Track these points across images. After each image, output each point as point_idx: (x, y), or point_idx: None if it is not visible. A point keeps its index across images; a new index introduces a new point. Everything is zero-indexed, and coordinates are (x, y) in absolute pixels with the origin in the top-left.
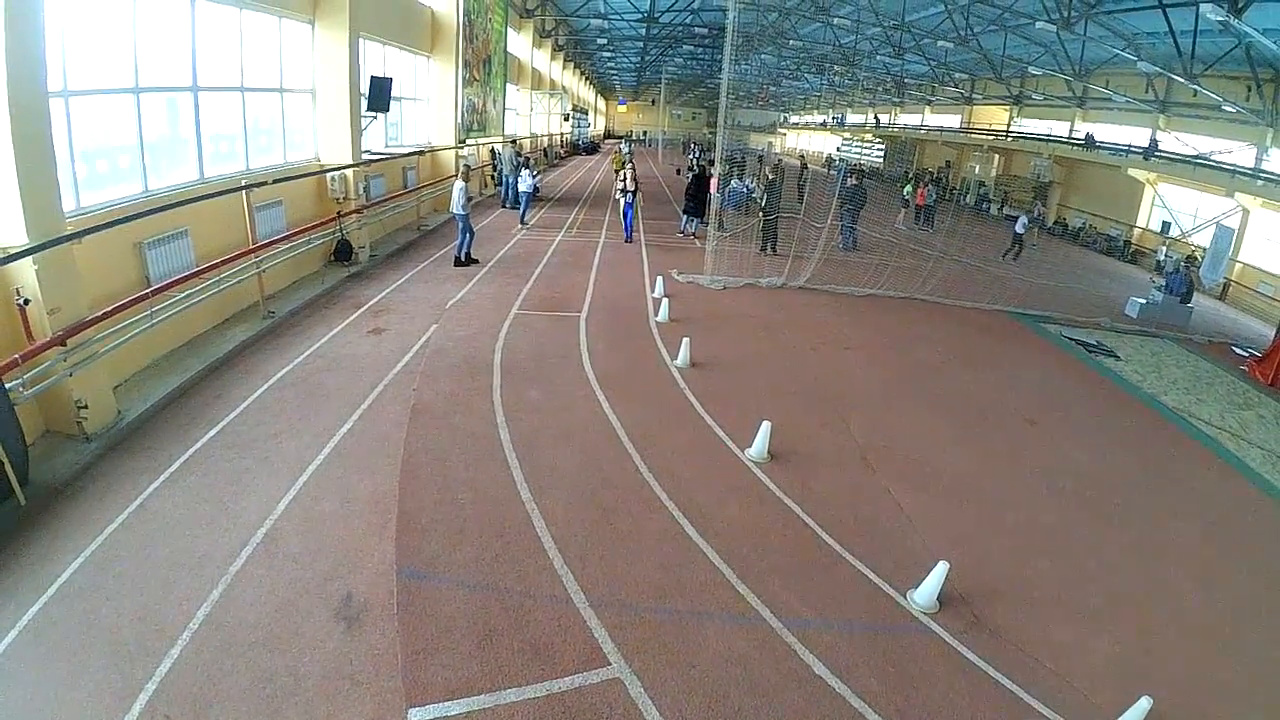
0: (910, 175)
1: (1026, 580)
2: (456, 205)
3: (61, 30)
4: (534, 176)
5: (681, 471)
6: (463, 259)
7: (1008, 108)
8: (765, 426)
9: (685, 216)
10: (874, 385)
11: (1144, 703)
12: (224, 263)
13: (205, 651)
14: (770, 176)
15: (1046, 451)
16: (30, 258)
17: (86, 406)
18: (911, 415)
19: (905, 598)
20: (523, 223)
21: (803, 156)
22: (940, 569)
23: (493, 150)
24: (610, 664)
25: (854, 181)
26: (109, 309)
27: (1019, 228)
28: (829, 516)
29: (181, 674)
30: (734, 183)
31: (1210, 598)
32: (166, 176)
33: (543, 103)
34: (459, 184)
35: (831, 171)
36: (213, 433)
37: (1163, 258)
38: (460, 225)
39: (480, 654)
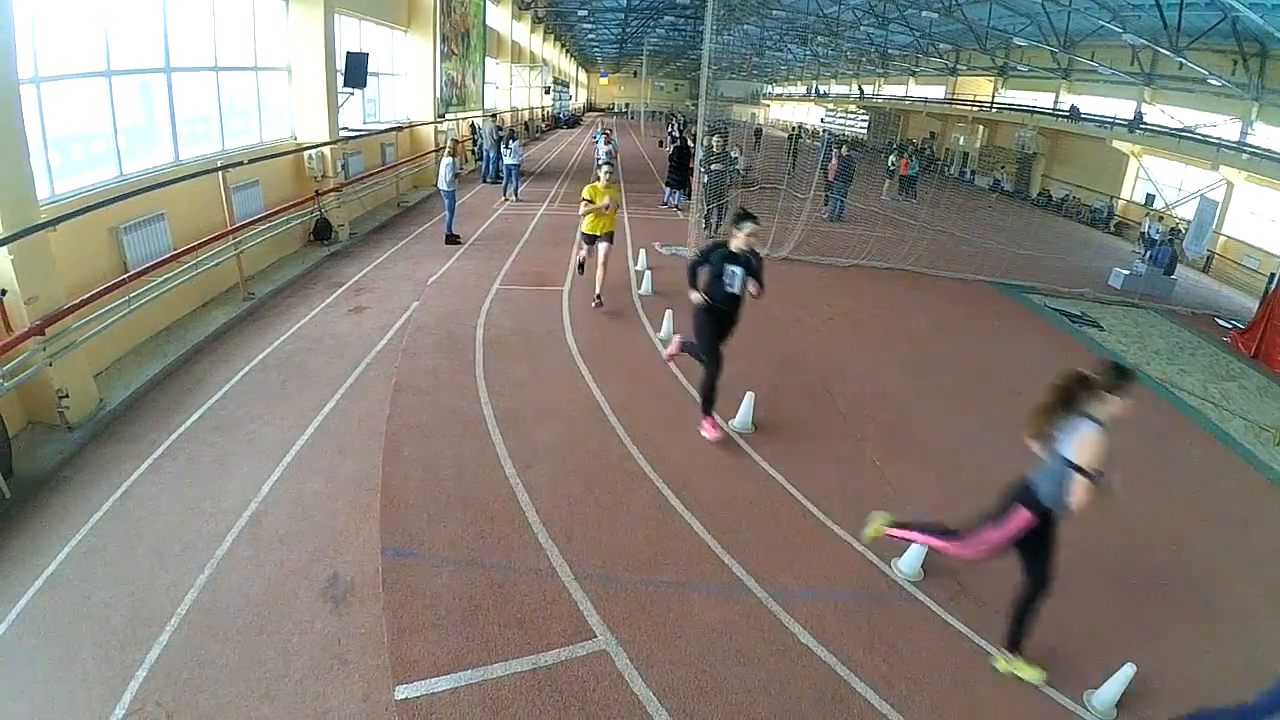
0: (894, 146)
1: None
2: (443, 181)
3: (31, 15)
4: (521, 150)
5: (665, 443)
6: (451, 235)
7: (992, 79)
8: (749, 397)
9: (668, 189)
10: (859, 355)
11: (1128, 669)
12: (202, 245)
13: (194, 636)
14: (716, 147)
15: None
16: (5, 247)
17: (68, 396)
18: (896, 385)
19: (890, 566)
20: (505, 196)
21: (798, 128)
22: None
23: (472, 125)
24: (596, 636)
25: (843, 152)
26: (87, 296)
27: (1154, 233)
28: (813, 486)
29: (171, 660)
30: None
31: (1192, 565)
32: (142, 160)
33: (523, 76)
34: (446, 159)
35: (816, 143)
36: (195, 417)
37: (1147, 228)
38: (447, 202)
39: (466, 629)
